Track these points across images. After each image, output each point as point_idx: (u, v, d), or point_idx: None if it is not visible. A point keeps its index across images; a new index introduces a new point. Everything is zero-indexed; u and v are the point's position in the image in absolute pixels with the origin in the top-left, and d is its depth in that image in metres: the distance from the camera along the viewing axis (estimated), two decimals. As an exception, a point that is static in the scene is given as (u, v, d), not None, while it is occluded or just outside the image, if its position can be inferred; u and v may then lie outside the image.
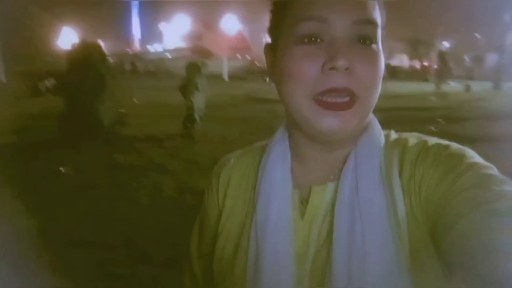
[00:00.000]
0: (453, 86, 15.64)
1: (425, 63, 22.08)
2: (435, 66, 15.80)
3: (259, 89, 14.71)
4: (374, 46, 0.53)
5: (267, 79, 20.32)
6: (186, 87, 6.49)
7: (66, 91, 5.86)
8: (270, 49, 0.61)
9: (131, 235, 3.13)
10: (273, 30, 0.60)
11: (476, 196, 0.45)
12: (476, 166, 0.49)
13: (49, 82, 13.92)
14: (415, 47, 24.26)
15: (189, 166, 4.98)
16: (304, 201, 0.60)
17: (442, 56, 14.68)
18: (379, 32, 0.54)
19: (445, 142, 0.55)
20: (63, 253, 2.82)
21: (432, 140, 0.56)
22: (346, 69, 0.51)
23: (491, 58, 20.36)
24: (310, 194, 0.59)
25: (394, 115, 8.53)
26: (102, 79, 5.91)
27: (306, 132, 0.57)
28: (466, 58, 20.19)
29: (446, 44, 23.59)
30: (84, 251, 2.85)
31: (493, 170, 0.48)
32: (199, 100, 6.55)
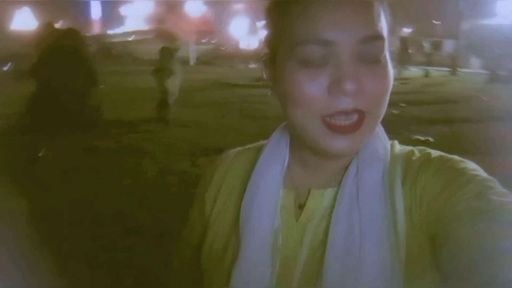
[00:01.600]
0: (413, 71, 16.32)
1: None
2: (396, 52, 16.37)
3: (227, 75, 14.73)
4: (382, 59, 0.52)
5: (234, 64, 20.24)
6: (160, 72, 6.51)
7: (40, 76, 5.73)
8: (270, 62, 0.59)
9: (118, 211, 3.26)
10: (272, 42, 0.58)
11: (477, 206, 0.46)
12: (477, 178, 0.50)
13: (9, 67, 13.32)
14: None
15: (166, 149, 5.09)
16: (301, 204, 0.60)
17: (403, 42, 15.26)
18: (386, 45, 0.52)
19: (448, 155, 0.55)
20: (54, 233, 2.91)
21: (436, 153, 0.56)
22: (355, 90, 0.49)
23: (448, 45, 21.35)
24: (308, 197, 0.59)
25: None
26: (89, 66, 5.86)
27: (312, 148, 0.56)
28: (425, 44, 20.99)
29: (406, 30, 24.35)
30: (74, 229, 2.95)
31: (495, 183, 0.49)
32: (172, 85, 6.59)
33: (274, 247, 0.57)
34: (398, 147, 0.60)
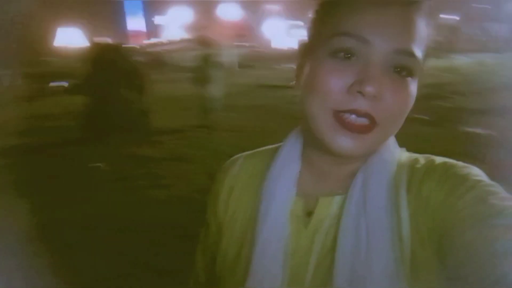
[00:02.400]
0: (464, 60, 15.47)
1: (435, 39, 21.73)
2: (446, 41, 15.60)
3: (268, 76, 14.72)
4: (409, 78, 0.52)
5: (274, 66, 20.20)
6: (201, 79, 6.58)
7: (91, 91, 6.02)
8: (305, 50, 0.59)
9: (170, 217, 3.30)
10: (312, 31, 0.58)
11: (480, 211, 0.47)
12: (480, 183, 0.50)
13: (61, 83, 14.12)
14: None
15: (214, 155, 5.12)
16: (309, 212, 0.60)
17: (452, 31, 14.50)
18: (418, 66, 0.52)
19: (452, 160, 0.56)
20: (111, 240, 3.00)
21: (440, 159, 0.57)
22: (374, 96, 0.50)
23: (503, 30, 20.00)
24: (317, 205, 0.59)
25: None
26: (136, 77, 6.09)
27: (320, 143, 0.56)
28: (477, 31, 19.85)
29: (455, 18, 23.19)
30: (129, 236, 3.02)
31: (498, 188, 0.50)
32: (214, 91, 6.64)
33: (285, 255, 0.58)
34: (405, 155, 0.61)
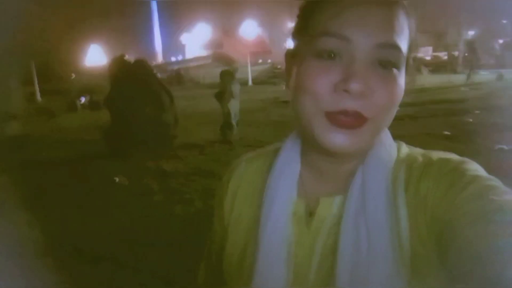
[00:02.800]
0: (484, 75, 15.25)
1: (453, 54, 21.58)
2: (464, 56, 15.45)
3: (285, 93, 14.73)
4: (394, 70, 0.52)
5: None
6: (222, 95, 6.68)
7: (114, 106, 6.16)
8: (291, 56, 0.60)
9: (192, 232, 3.31)
10: (296, 37, 0.59)
11: (480, 207, 0.46)
12: (478, 178, 0.50)
13: (84, 99, 14.55)
14: (441, 38, 23.78)
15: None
16: (310, 212, 0.60)
17: (470, 45, 14.37)
18: (402, 58, 0.53)
19: (448, 155, 0.56)
20: (135, 253, 3.02)
21: (436, 155, 0.56)
22: (361, 92, 0.50)
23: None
24: (318, 205, 0.59)
25: (426, 109, 8.47)
26: (159, 94, 6.22)
27: (315, 144, 0.56)
28: (496, 46, 19.61)
29: (472, 33, 22.98)
30: (153, 251, 3.05)
31: (496, 181, 0.49)
32: (234, 107, 6.72)
33: (288, 255, 0.58)
34: (405, 151, 0.61)
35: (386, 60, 0.51)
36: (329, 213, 0.58)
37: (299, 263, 0.58)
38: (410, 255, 0.52)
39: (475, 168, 0.53)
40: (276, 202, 0.60)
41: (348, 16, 0.51)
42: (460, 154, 0.58)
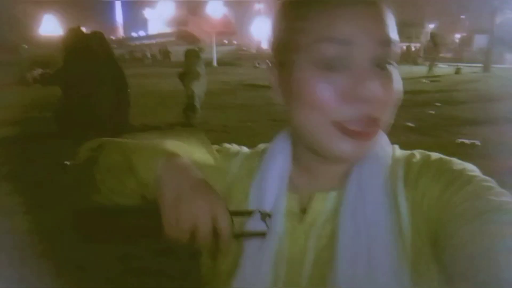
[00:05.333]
0: (443, 68, 15.75)
1: (415, 46, 22.14)
2: (426, 49, 15.85)
3: (250, 75, 14.57)
4: (393, 66, 0.52)
5: (258, 65, 20.13)
6: (186, 75, 6.37)
7: (67, 82, 5.66)
8: (278, 64, 0.57)
9: (147, 226, 3.09)
10: (282, 43, 0.55)
11: (476, 207, 0.46)
12: (475, 179, 0.50)
13: (37, 72, 13.57)
14: (404, 30, 24.34)
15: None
16: (303, 208, 0.59)
17: (433, 38, 14.72)
18: (397, 52, 0.53)
19: (448, 157, 0.56)
20: (78, 249, 2.77)
21: (435, 155, 0.56)
22: (373, 97, 0.49)
23: (479, 40, 20.52)
24: (311, 200, 0.59)
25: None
26: (116, 70, 5.76)
27: (314, 150, 0.55)
28: (455, 40, 20.31)
29: (433, 26, 23.68)
30: (101, 246, 2.80)
31: (492, 183, 0.50)
32: (199, 88, 6.44)
33: (279, 252, 0.57)
34: (399, 151, 0.61)
35: (386, 57, 0.51)
36: (323, 209, 0.58)
37: (293, 260, 0.57)
38: (411, 250, 0.51)
39: (472, 169, 0.53)
40: (265, 197, 0.59)
41: (346, 18, 0.49)
42: (425, 147, 0.60)
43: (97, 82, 5.54)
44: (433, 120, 6.57)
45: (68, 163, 4.52)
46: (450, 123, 6.42)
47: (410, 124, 6.06)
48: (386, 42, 0.50)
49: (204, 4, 30.74)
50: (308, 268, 0.56)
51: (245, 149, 0.71)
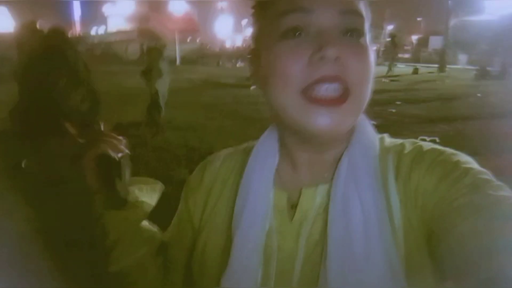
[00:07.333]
0: (401, 68, 16.30)
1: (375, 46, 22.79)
2: (384, 49, 16.38)
3: (215, 74, 14.46)
4: (362, 40, 0.52)
5: (220, 63, 19.99)
6: (149, 73, 6.18)
7: (23, 79, 5.35)
8: (255, 54, 0.59)
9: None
10: (258, 23, 0.58)
11: (474, 202, 0.45)
12: (472, 171, 0.49)
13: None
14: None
15: (162, 155, 4.78)
16: (293, 204, 0.59)
17: (393, 39, 15.21)
18: (367, 27, 0.53)
19: (440, 147, 0.55)
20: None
21: (427, 146, 0.55)
22: (336, 58, 0.49)
23: (434, 41, 21.44)
24: (300, 196, 0.58)
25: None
26: (77, 68, 5.48)
27: (296, 133, 0.55)
28: (412, 41, 21.10)
29: (391, 28, 24.49)
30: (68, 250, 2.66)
31: (489, 175, 0.49)
32: (163, 86, 6.27)
33: (269, 249, 0.56)
34: (388, 140, 0.59)
35: (352, 28, 0.51)
36: (313, 204, 0.57)
37: (283, 257, 0.56)
38: (403, 244, 0.50)
39: (467, 160, 0.51)
40: (252, 194, 0.58)
41: None
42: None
43: (55, 80, 5.28)
44: (395, 118, 6.76)
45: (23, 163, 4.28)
46: (411, 120, 6.65)
47: (372, 122, 6.20)
48: (351, 12, 0.51)
49: (166, 1, 30.17)
50: (299, 265, 0.55)
51: (228, 149, 0.70)
